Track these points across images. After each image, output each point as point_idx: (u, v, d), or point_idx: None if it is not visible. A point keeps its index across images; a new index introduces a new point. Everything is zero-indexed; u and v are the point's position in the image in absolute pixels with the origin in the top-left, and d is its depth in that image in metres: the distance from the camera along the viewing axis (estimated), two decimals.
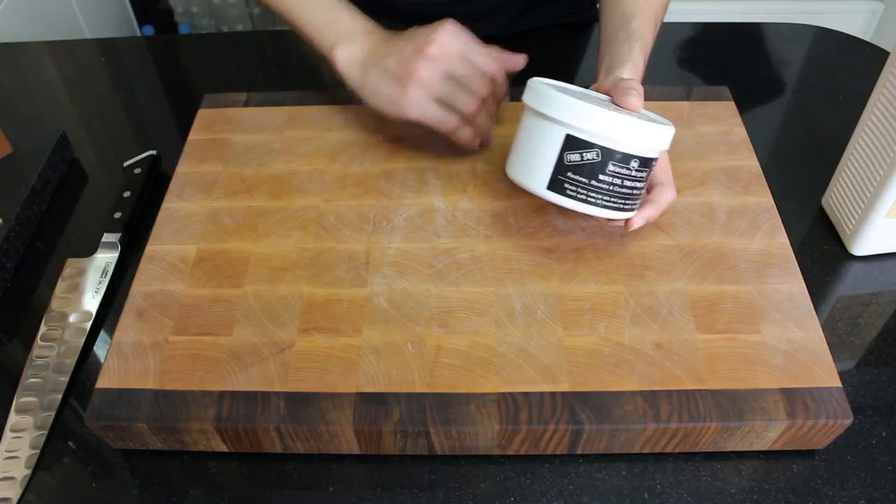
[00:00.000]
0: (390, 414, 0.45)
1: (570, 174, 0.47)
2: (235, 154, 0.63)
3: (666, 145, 0.49)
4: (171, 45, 0.89)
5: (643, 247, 0.54)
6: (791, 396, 0.45)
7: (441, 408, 0.45)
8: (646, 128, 0.47)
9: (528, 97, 0.49)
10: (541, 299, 0.51)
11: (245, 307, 0.51)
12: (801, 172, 0.65)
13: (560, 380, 0.46)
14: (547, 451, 0.47)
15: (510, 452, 0.47)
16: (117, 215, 0.61)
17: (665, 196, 0.52)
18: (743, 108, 0.66)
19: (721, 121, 0.64)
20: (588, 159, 0.47)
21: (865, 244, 0.57)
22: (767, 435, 0.45)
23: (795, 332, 0.49)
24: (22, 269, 0.60)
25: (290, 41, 0.84)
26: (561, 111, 0.46)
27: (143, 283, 0.53)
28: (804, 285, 0.51)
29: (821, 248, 0.59)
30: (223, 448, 0.47)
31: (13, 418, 0.50)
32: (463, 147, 0.59)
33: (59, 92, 0.78)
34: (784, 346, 0.48)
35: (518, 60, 0.59)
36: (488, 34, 0.82)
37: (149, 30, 1.79)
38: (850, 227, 0.58)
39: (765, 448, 0.47)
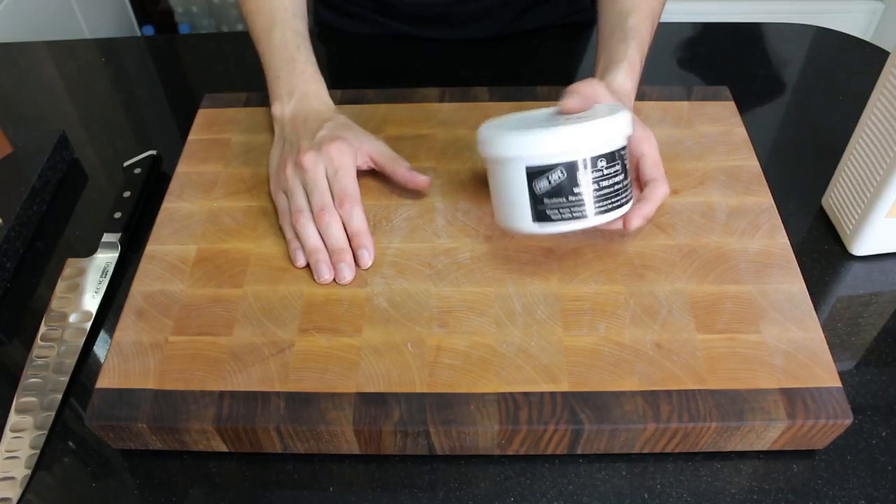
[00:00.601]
0: (390, 414, 0.45)
1: (546, 201, 0.47)
2: (235, 154, 0.63)
3: (624, 130, 0.48)
4: (171, 45, 0.89)
5: (643, 247, 0.54)
6: (791, 396, 0.45)
7: (441, 408, 0.45)
8: (591, 127, 0.46)
9: (480, 148, 0.49)
10: (541, 299, 0.51)
11: (245, 307, 0.51)
12: (801, 172, 0.65)
13: (560, 380, 0.46)
14: (547, 451, 0.47)
15: (510, 452, 0.47)
16: (117, 215, 0.61)
17: (658, 191, 0.51)
18: (743, 108, 0.66)
19: (721, 121, 0.64)
20: (555, 180, 0.46)
21: (865, 244, 0.57)
22: (767, 435, 0.45)
23: (795, 332, 0.49)
24: (22, 269, 0.60)
25: None
26: (510, 148, 0.47)
27: (143, 283, 0.53)
28: (804, 285, 0.51)
29: (821, 248, 0.59)
30: (223, 448, 0.47)
31: (13, 418, 0.50)
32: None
33: (59, 92, 0.78)
34: (784, 346, 0.48)
35: (422, 182, 0.57)
36: (488, 34, 0.83)
37: (149, 30, 1.79)
38: (850, 227, 0.58)
39: (765, 448, 0.47)
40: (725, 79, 0.73)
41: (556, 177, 0.46)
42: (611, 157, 0.47)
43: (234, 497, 0.46)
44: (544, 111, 0.53)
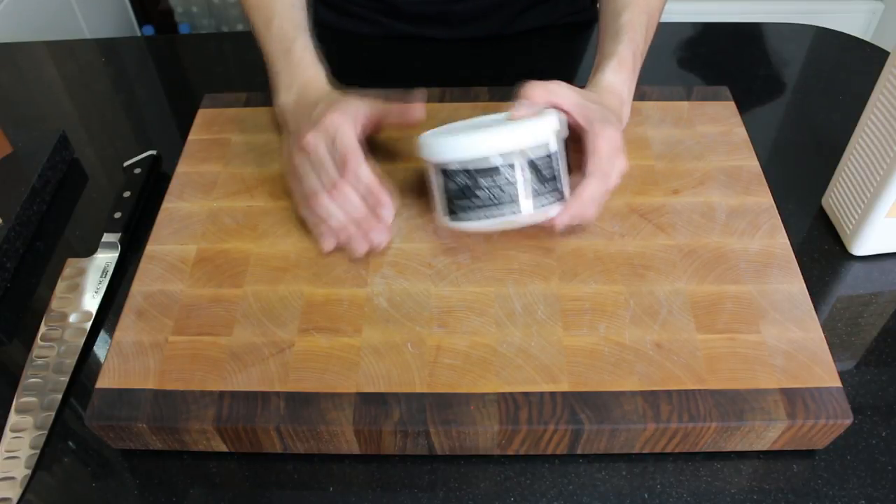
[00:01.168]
0: (390, 414, 0.45)
1: (456, 202, 0.50)
2: (235, 154, 0.63)
3: (539, 137, 0.49)
4: (171, 45, 0.89)
5: (643, 247, 0.54)
6: (791, 396, 0.45)
7: (441, 408, 0.45)
8: (498, 133, 0.48)
9: (419, 153, 0.52)
10: (541, 299, 0.51)
11: (245, 307, 0.51)
12: (801, 172, 0.65)
13: (560, 380, 0.46)
14: (547, 451, 0.47)
15: (510, 452, 0.47)
16: (117, 215, 0.61)
17: (585, 189, 0.50)
18: (743, 108, 0.66)
19: (721, 121, 0.64)
20: (461, 182, 0.49)
21: (865, 244, 0.57)
22: (767, 435, 0.45)
23: (795, 332, 0.49)
24: (22, 269, 0.60)
25: None
26: (428, 151, 0.50)
27: (143, 283, 0.53)
28: (804, 285, 0.51)
29: (821, 248, 0.59)
30: (223, 448, 0.47)
31: (13, 418, 0.50)
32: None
33: (59, 92, 0.78)
34: (784, 346, 0.48)
35: (415, 113, 0.56)
36: (488, 33, 0.83)
37: (149, 30, 1.79)
38: (850, 227, 0.58)
39: (765, 448, 0.47)
40: (725, 79, 0.73)
41: (461, 179, 0.49)
42: (519, 163, 0.49)
43: (234, 497, 0.46)
44: (498, 116, 0.55)
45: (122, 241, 0.60)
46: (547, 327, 0.49)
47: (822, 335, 0.48)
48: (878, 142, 0.54)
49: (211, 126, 0.66)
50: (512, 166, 0.49)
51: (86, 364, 0.53)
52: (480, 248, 0.54)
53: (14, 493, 0.46)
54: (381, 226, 0.53)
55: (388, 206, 0.52)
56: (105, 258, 0.59)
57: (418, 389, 0.46)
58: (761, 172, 0.60)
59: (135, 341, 0.49)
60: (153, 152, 0.67)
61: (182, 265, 0.54)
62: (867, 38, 1.06)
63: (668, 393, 0.46)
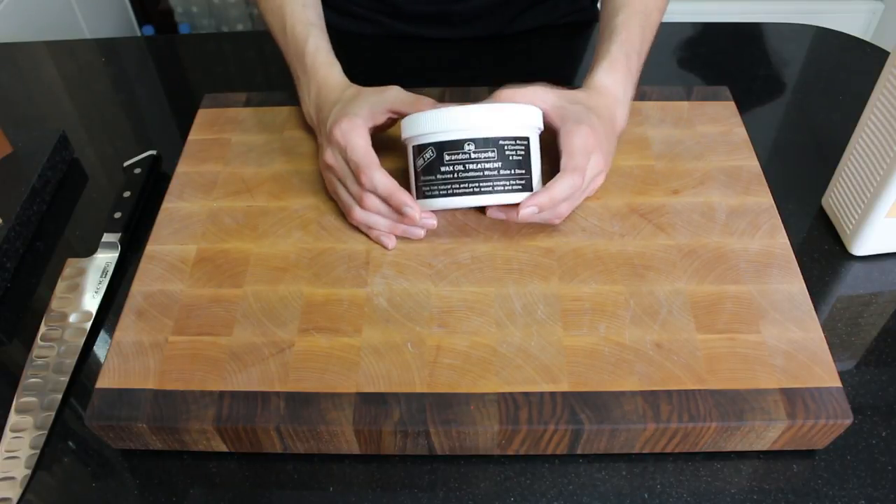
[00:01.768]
0: (390, 414, 0.45)
1: (423, 178, 0.52)
2: (235, 154, 0.63)
3: (510, 122, 0.50)
4: (171, 45, 0.89)
5: (643, 247, 0.54)
6: (791, 396, 0.45)
7: (441, 408, 0.45)
8: (465, 111, 0.50)
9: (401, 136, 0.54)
10: (541, 299, 0.51)
11: (245, 307, 0.51)
12: (801, 172, 0.65)
13: (560, 380, 0.46)
14: (547, 451, 0.47)
15: (510, 452, 0.47)
16: (117, 215, 0.61)
17: (558, 184, 0.50)
18: (743, 108, 0.66)
19: (721, 121, 0.64)
20: (428, 158, 0.51)
21: (865, 244, 0.57)
22: (767, 435, 0.45)
23: (795, 332, 0.49)
24: (22, 269, 0.60)
25: None
26: (406, 129, 0.52)
27: (143, 283, 0.53)
28: (804, 285, 0.51)
29: (821, 248, 0.59)
30: (223, 448, 0.47)
31: (13, 418, 0.50)
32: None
33: (59, 92, 0.78)
34: (784, 346, 0.48)
35: (427, 103, 0.56)
36: (488, 33, 0.83)
37: (149, 30, 1.79)
38: (850, 227, 0.58)
39: (765, 448, 0.47)
40: (725, 79, 0.73)
41: (428, 155, 0.51)
42: (484, 143, 0.50)
43: (234, 497, 0.46)
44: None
45: (122, 241, 0.60)
46: (547, 327, 0.49)
47: (822, 335, 0.48)
48: (878, 142, 0.54)
49: (211, 126, 0.66)
50: (476, 144, 0.50)
51: (86, 364, 0.53)
52: (480, 248, 0.54)
53: (14, 493, 0.46)
54: (408, 225, 0.54)
55: (410, 204, 0.52)
56: (105, 258, 0.59)
57: (418, 389, 0.46)
58: (761, 172, 0.60)
59: (135, 341, 0.49)
60: (153, 152, 0.67)
61: (182, 265, 0.54)
62: (867, 38, 1.06)
63: (668, 393, 0.46)
